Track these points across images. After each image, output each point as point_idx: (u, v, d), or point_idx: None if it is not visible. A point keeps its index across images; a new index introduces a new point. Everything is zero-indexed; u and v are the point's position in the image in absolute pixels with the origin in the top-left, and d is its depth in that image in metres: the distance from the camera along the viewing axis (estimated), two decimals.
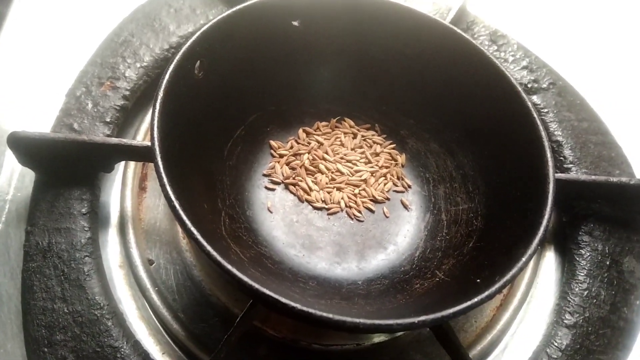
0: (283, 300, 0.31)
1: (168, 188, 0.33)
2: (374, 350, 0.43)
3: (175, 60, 0.39)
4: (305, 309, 0.31)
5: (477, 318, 0.46)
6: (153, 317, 0.43)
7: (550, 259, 0.49)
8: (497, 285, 0.33)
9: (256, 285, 0.31)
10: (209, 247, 0.32)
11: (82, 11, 0.56)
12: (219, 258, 0.31)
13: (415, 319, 0.31)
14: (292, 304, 0.31)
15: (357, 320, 0.31)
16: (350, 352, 0.43)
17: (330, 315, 0.31)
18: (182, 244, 0.45)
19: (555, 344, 0.43)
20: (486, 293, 0.33)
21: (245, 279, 0.31)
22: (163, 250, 0.45)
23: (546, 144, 0.40)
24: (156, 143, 0.35)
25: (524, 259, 0.34)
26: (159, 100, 0.37)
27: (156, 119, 0.36)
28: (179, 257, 0.45)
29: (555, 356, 0.42)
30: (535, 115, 0.41)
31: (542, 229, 0.36)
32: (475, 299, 0.32)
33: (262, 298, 0.31)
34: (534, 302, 0.47)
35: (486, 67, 0.44)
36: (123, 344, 0.38)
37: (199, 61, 0.41)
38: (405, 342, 0.44)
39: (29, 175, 0.45)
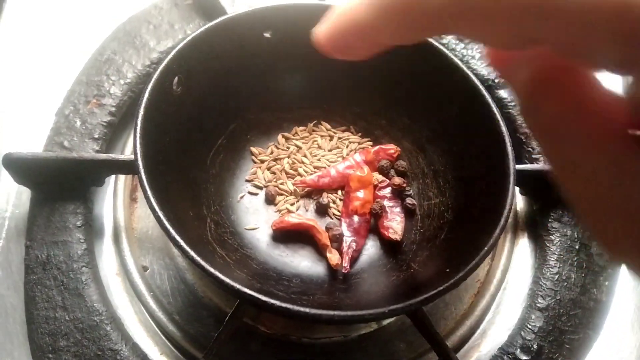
0: (262, 297, 0.33)
1: (152, 199, 0.35)
2: (360, 341, 0.45)
3: (153, 79, 0.40)
4: (283, 305, 0.33)
5: (456, 305, 0.47)
6: (150, 320, 0.44)
7: (524, 245, 0.51)
8: (461, 274, 0.35)
9: (237, 286, 0.33)
10: (192, 253, 0.33)
11: (66, 31, 0.57)
12: (202, 262, 0.33)
13: (386, 309, 0.33)
14: (271, 300, 0.33)
15: (331, 312, 0.33)
16: (338, 343, 0.45)
17: (307, 310, 0.33)
18: (174, 250, 0.47)
19: (529, 327, 0.44)
20: (452, 281, 0.35)
21: (226, 280, 0.33)
22: (156, 257, 0.47)
23: (506, 138, 0.41)
24: (139, 157, 0.37)
25: (486, 248, 0.36)
26: (139, 117, 0.38)
27: (138, 134, 0.38)
28: (172, 263, 0.47)
29: (530, 338, 0.44)
30: (495, 110, 0.42)
31: (502, 219, 0.37)
32: (441, 287, 0.34)
33: (244, 297, 0.33)
34: (509, 288, 0.48)
35: (449, 66, 0.45)
36: (122, 346, 0.40)
37: (176, 77, 0.43)
38: (390, 332, 0.46)
39: (26, 193, 0.47)
